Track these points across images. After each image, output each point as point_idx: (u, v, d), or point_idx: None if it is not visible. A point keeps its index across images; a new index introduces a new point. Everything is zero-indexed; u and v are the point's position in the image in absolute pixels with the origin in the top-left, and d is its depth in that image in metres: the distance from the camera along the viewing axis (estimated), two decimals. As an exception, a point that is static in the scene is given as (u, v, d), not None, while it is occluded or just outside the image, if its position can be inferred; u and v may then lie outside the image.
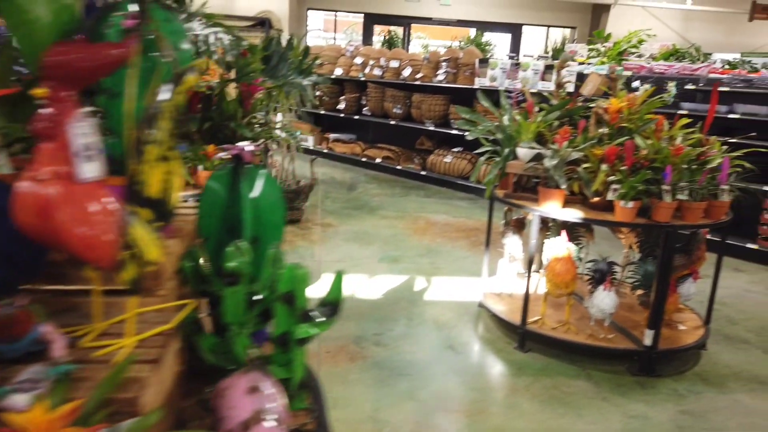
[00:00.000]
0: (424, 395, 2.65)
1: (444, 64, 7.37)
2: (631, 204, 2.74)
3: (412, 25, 15.04)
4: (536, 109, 3.25)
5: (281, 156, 5.22)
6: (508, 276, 3.51)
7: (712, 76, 5.37)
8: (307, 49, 3.37)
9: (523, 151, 3.11)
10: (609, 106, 3.12)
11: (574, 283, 2.98)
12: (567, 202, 3.02)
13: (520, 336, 3.13)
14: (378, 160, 8.24)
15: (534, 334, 3.09)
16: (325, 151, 9.12)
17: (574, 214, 2.86)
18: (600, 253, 3.42)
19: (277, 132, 3.58)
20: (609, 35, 8.43)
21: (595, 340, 2.99)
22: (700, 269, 3.29)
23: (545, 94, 4.37)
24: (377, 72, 8.17)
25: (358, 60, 8.47)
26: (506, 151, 3.29)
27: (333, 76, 8.78)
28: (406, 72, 7.82)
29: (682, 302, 3.26)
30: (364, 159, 8.49)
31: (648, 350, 2.89)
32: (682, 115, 5.09)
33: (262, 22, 9.75)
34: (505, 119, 3.33)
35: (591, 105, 3.24)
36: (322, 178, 7.73)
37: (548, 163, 2.84)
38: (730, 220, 2.99)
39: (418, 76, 7.62)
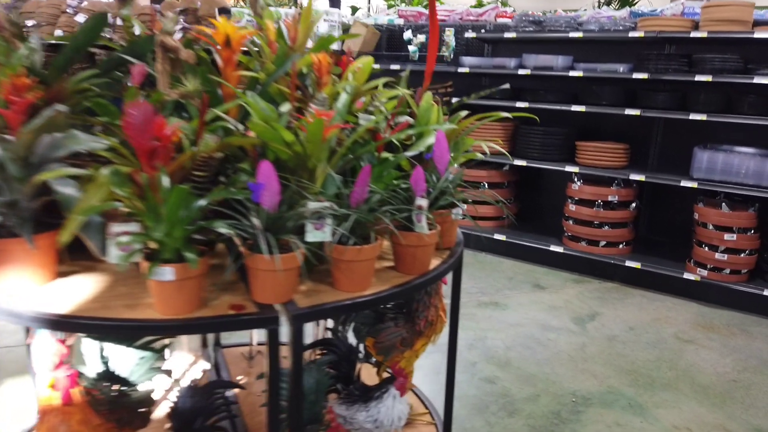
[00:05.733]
0: None
1: (181, 18, 5.40)
2: (169, 273, 1.05)
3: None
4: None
5: None
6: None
7: (500, 20, 3.99)
8: None
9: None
10: (208, 32, 1.42)
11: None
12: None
13: None
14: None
15: None
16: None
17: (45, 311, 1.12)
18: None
19: None
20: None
21: None
22: (432, 341, 1.74)
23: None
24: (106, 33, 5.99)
25: (81, 18, 6.22)
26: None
27: (53, 41, 6.44)
28: (138, 30, 5.73)
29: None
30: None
31: None
32: (463, 74, 3.61)
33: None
34: None
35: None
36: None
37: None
38: (454, 263, 1.44)
39: (152, 35, 5.60)
